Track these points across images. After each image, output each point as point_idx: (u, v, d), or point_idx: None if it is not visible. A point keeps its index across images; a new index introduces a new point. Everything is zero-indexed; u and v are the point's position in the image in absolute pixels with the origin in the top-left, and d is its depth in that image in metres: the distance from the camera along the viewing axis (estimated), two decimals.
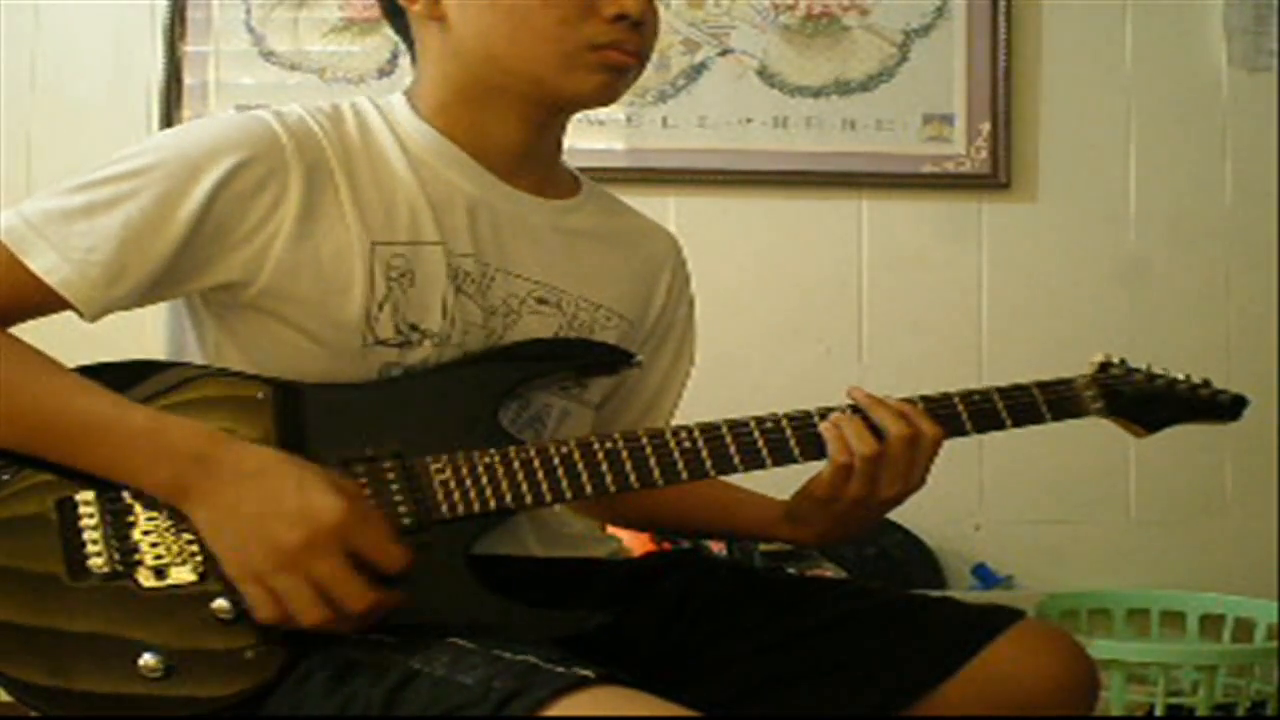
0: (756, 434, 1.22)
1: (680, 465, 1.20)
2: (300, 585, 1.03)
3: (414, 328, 1.19)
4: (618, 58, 1.22)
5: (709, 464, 1.20)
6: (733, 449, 1.21)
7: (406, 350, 1.18)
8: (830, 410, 1.24)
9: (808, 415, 1.23)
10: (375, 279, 1.17)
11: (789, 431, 1.22)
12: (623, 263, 1.36)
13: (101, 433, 1.06)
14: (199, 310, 1.21)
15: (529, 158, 1.28)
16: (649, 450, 1.19)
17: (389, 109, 1.27)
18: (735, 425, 1.22)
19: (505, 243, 1.26)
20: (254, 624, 1.05)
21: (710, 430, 1.21)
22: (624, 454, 1.18)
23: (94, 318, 1.12)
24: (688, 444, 1.20)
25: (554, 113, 1.27)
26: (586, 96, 1.24)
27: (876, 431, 1.22)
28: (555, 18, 1.19)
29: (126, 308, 1.14)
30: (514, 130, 1.26)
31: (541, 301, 1.27)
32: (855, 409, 1.24)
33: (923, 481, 1.24)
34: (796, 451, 1.22)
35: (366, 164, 1.21)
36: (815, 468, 1.25)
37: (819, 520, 1.29)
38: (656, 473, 1.19)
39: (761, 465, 1.22)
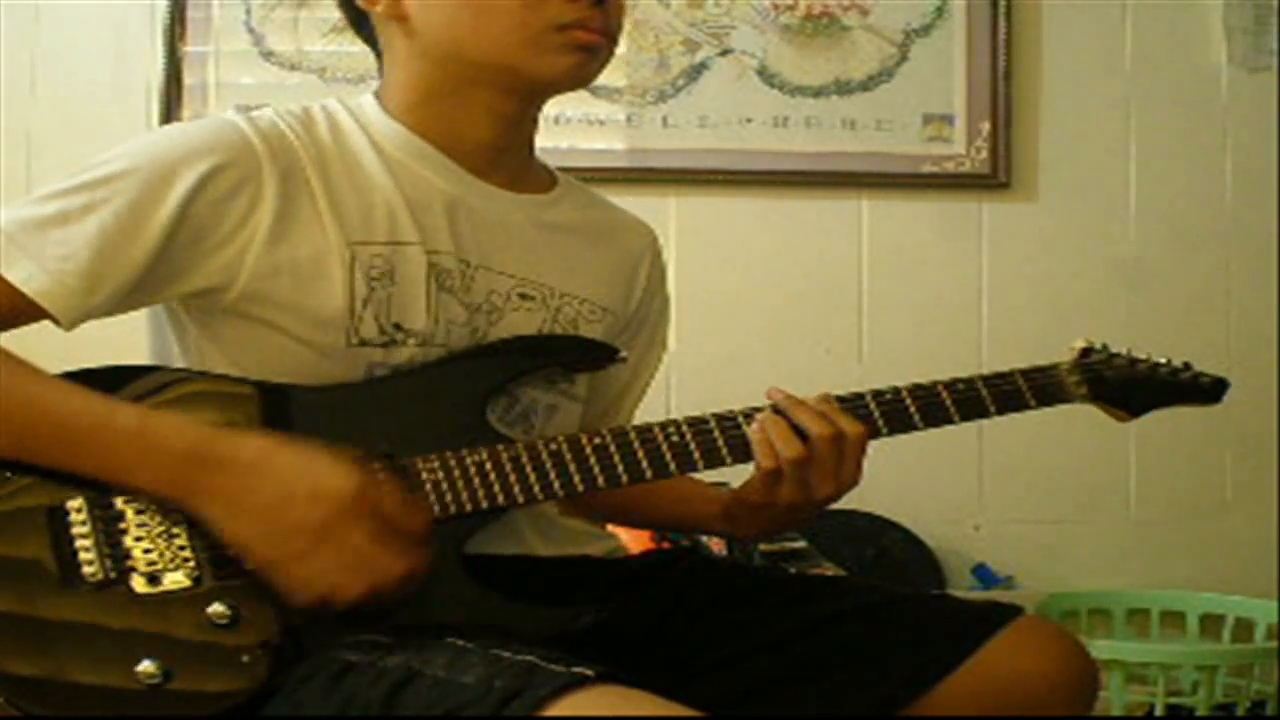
0: (745, 426, 1.21)
1: (669, 460, 1.20)
2: (331, 564, 1.03)
3: (398, 327, 1.19)
4: (585, 37, 1.21)
5: (697, 457, 1.20)
6: (719, 441, 1.21)
7: (391, 350, 1.18)
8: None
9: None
10: (355, 280, 1.17)
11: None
12: (603, 256, 1.37)
13: (90, 434, 1.06)
14: (180, 316, 1.20)
15: (503, 153, 1.28)
16: (638, 446, 1.19)
17: (359, 110, 1.27)
18: (722, 419, 1.22)
19: (484, 239, 1.26)
20: (251, 627, 1.05)
21: (699, 424, 1.21)
22: (613, 450, 1.18)
23: (71, 326, 1.12)
24: (676, 438, 1.20)
25: (527, 100, 1.27)
26: (560, 78, 1.23)
27: (801, 434, 1.21)
28: (517, 1, 1.19)
29: (105, 315, 1.14)
30: (485, 125, 1.26)
31: (524, 297, 1.27)
32: (777, 410, 1.23)
33: (856, 480, 1.24)
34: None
35: (340, 166, 1.21)
36: None
37: (755, 522, 1.30)
38: (646, 467, 1.19)
39: (750, 459, 1.22)
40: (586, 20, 1.21)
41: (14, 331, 1.11)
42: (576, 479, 1.17)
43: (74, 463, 1.06)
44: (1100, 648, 2.17)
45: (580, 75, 1.24)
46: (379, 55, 1.31)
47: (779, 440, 1.20)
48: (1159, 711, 2.28)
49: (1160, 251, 2.70)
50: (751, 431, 1.21)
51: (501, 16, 1.20)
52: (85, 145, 1.17)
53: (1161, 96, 2.70)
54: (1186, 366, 1.40)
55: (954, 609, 1.27)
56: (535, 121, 1.31)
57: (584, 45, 1.22)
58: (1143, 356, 1.38)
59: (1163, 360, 1.39)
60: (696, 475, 1.25)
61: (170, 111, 2.54)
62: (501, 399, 1.24)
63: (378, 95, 1.28)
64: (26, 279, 1.09)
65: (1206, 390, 1.40)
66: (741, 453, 1.22)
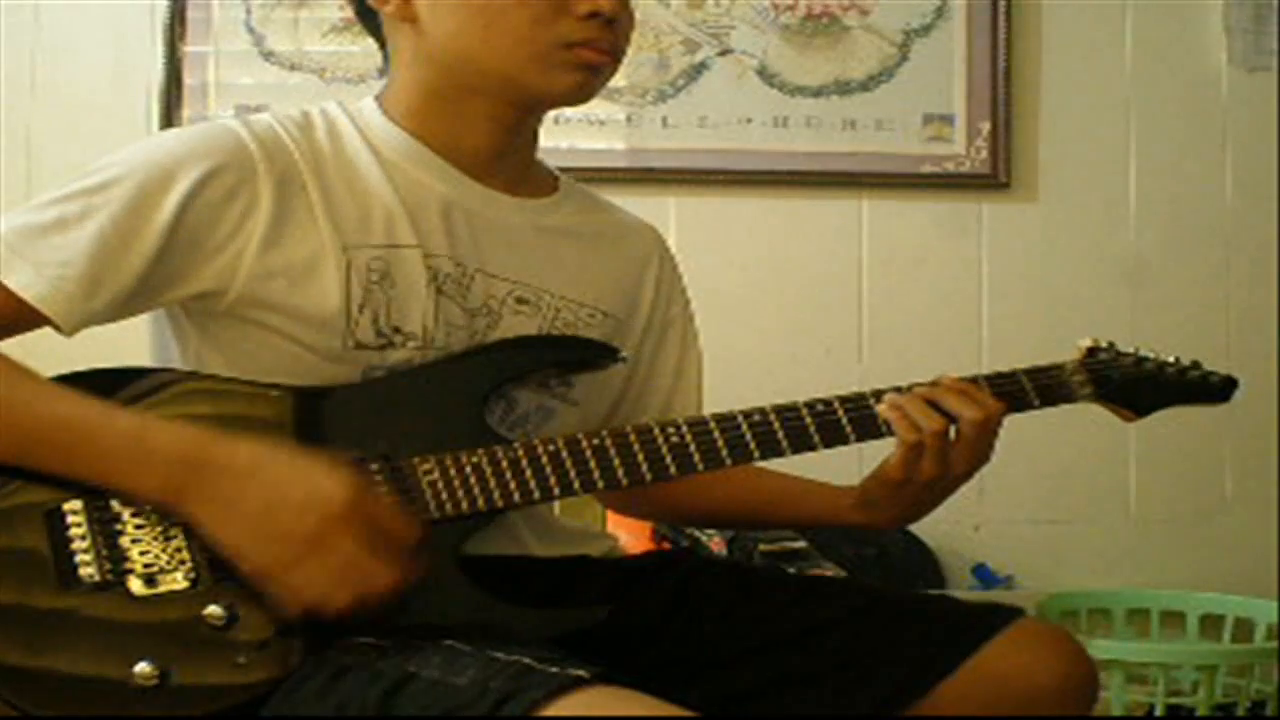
0: (744, 426, 1.21)
1: (668, 460, 1.19)
2: (320, 573, 1.03)
3: (397, 330, 1.19)
4: (591, 56, 1.22)
5: (697, 458, 1.20)
6: (720, 442, 1.20)
7: (389, 352, 1.18)
8: (818, 400, 1.23)
9: (795, 406, 1.23)
10: (352, 283, 1.17)
11: (776, 423, 1.22)
12: (605, 260, 1.36)
13: (87, 439, 1.06)
14: (180, 320, 1.21)
15: (503, 157, 1.28)
16: (636, 446, 1.19)
17: (359, 114, 1.27)
18: (722, 419, 1.21)
19: (482, 243, 1.26)
20: (247, 629, 1.05)
21: (698, 425, 1.21)
22: (611, 450, 1.18)
23: (72, 331, 1.12)
24: (675, 439, 1.20)
25: (528, 112, 1.28)
26: (561, 95, 1.24)
27: (940, 410, 1.21)
28: (528, 16, 1.20)
29: (105, 321, 1.14)
30: (486, 132, 1.26)
31: (521, 301, 1.27)
32: (911, 390, 1.23)
33: (989, 456, 1.24)
34: (784, 443, 1.21)
35: (338, 170, 1.21)
36: (795, 462, 1.24)
37: (892, 503, 1.28)
38: (645, 468, 1.19)
39: (750, 459, 1.22)
40: (595, 40, 1.22)
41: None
42: (575, 480, 1.17)
43: (71, 468, 1.06)
44: (1100, 648, 2.17)
45: (582, 93, 1.25)
46: (385, 56, 1.31)
47: (919, 414, 1.20)
48: (1159, 711, 2.28)
49: (1160, 251, 2.69)
50: (887, 408, 1.22)
51: (511, 30, 1.20)
52: (85, 145, 1.19)
53: (1161, 96, 2.70)
54: (1196, 365, 1.38)
55: (953, 610, 1.27)
56: (537, 128, 1.32)
57: (589, 64, 1.22)
58: (1150, 354, 1.36)
59: (1170, 359, 1.37)
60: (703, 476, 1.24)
61: (170, 111, 2.54)
62: (500, 403, 1.24)
63: (379, 99, 1.29)
64: (25, 285, 1.09)
65: (1216, 389, 1.37)
66: (741, 452, 1.21)
